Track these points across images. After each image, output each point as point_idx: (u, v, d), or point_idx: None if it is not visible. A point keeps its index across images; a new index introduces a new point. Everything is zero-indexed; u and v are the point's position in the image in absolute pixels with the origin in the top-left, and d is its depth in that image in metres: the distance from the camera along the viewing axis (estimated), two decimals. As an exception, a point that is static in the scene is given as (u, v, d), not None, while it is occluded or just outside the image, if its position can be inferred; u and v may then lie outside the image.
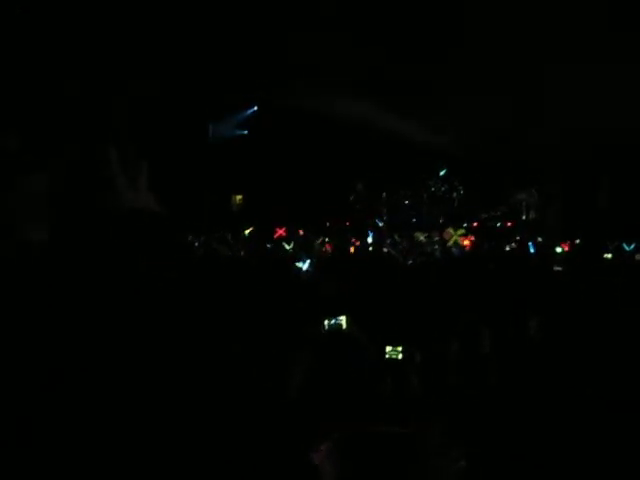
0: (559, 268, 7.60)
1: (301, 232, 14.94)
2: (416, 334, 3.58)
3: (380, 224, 18.13)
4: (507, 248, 11.65)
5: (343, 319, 3.12)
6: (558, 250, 10.65)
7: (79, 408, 0.52)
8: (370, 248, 13.57)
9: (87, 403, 0.52)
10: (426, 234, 15.14)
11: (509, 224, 17.63)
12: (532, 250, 9.43)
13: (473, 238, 14.95)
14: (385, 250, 12.12)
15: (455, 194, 18.74)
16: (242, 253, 11.21)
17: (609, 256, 8.50)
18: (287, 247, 11.38)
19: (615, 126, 12.94)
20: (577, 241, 12.23)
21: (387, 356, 3.20)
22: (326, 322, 3.12)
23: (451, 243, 14.68)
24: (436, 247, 13.45)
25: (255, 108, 17.86)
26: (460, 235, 15.50)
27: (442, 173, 18.96)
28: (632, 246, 10.87)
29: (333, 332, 3.05)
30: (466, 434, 2.53)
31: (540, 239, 14.06)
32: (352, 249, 13.19)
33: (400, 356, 3.20)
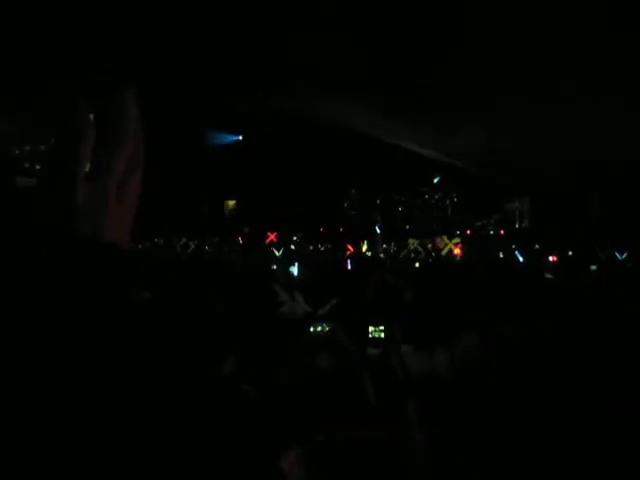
0: (550, 276, 7.64)
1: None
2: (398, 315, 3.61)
3: (375, 230, 18.16)
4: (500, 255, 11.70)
5: (329, 324, 3.15)
6: (550, 259, 10.70)
7: (75, 408, 0.50)
8: (368, 253, 13.58)
9: (83, 403, 0.50)
10: (418, 241, 15.18)
11: (502, 232, 17.70)
12: (521, 259, 9.43)
13: (463, 246, 15.00)
14: (381, 256, 12.13)
15: (448, 202, 18.79)
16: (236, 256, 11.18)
17: (594, 267, 8.58)
18: (277, 253, 11.38)
19: (608, 142, 13.02)
20: (570, 253, 12.28)
21: (370, 335, 3.24)
22: (312, 328, 3.15)
23: (445, 252, 14.71)
24: (433, 254, 13.47)
25: (239, 137, 17.76)
26: (454, 244, 15.53)
27: (436, 181, 19.03)
28: (624, 255, 10.93)
29: (319, 337, 3.07)
30: (463, 433, 2.52)
31: (537, 246, 14.12)
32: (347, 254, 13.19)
33: (382, 335, 3.24)
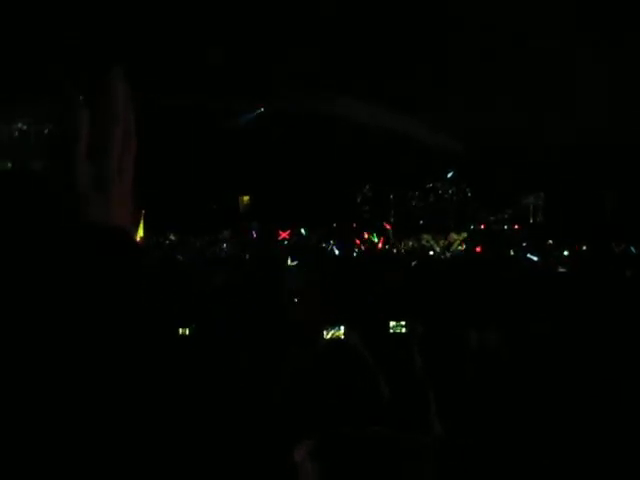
0: (563, 270, 7.61)
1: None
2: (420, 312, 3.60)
3: (387, 226, 18.12)
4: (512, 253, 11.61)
5: (342, 327, 3.11)
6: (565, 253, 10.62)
7: (75, 406, 0.50)
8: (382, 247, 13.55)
9: (84, 400, 0.50)
10: (432, 236, 15.13)
11: (516, 227, 17.58)
12: (535, 258, 9.29)
13: (468, 242, 14.93)
14: (394, 251, 12.12)
15: (462, 196, 18.69)
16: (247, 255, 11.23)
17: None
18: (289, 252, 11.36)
19: (625, 127, 12.88)
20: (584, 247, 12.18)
21: (391, 331, 3.22)
22: (325, 331, 3.11)
23: (454, 247, 14.66)
24: (446, 250, 13.44)
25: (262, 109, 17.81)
26: (462, 239, 15.47)
27: (450, 175, 18.92)
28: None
29: (332, 340, 3.04)
30: (467, 433, 2.52)
31: (551, 242, 14.03)
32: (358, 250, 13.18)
33: (404, 330, 3.22)
